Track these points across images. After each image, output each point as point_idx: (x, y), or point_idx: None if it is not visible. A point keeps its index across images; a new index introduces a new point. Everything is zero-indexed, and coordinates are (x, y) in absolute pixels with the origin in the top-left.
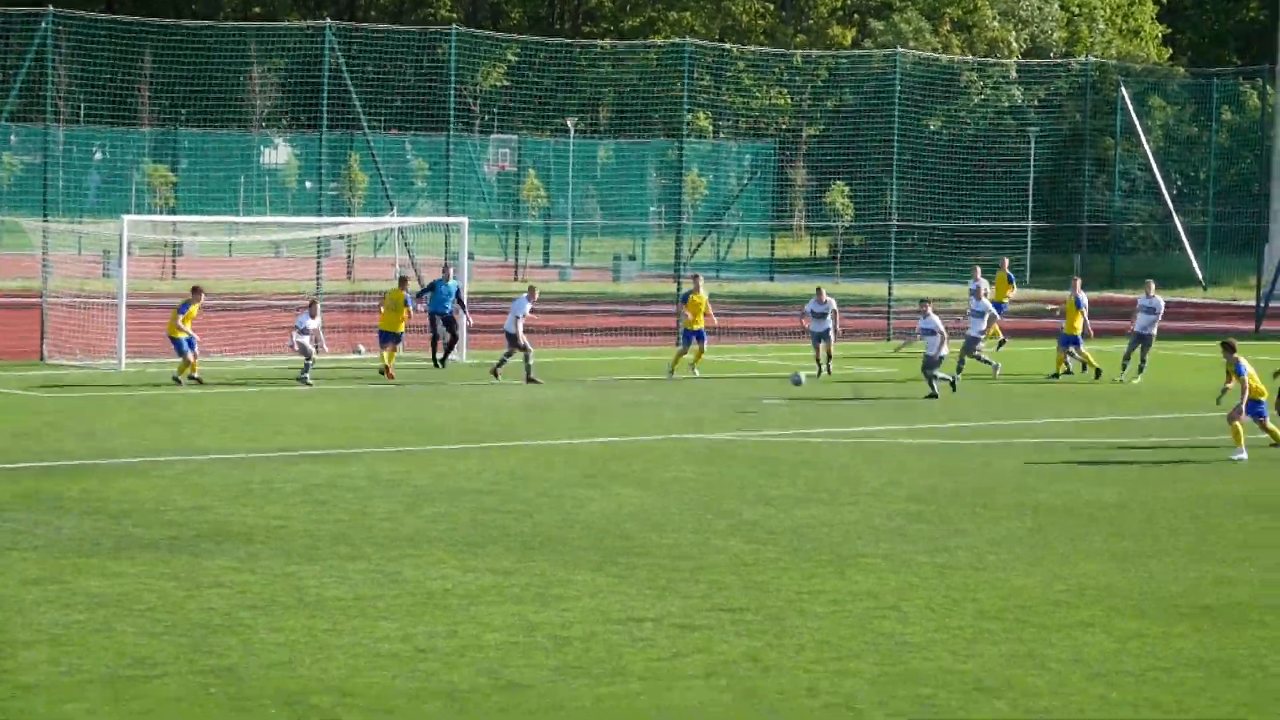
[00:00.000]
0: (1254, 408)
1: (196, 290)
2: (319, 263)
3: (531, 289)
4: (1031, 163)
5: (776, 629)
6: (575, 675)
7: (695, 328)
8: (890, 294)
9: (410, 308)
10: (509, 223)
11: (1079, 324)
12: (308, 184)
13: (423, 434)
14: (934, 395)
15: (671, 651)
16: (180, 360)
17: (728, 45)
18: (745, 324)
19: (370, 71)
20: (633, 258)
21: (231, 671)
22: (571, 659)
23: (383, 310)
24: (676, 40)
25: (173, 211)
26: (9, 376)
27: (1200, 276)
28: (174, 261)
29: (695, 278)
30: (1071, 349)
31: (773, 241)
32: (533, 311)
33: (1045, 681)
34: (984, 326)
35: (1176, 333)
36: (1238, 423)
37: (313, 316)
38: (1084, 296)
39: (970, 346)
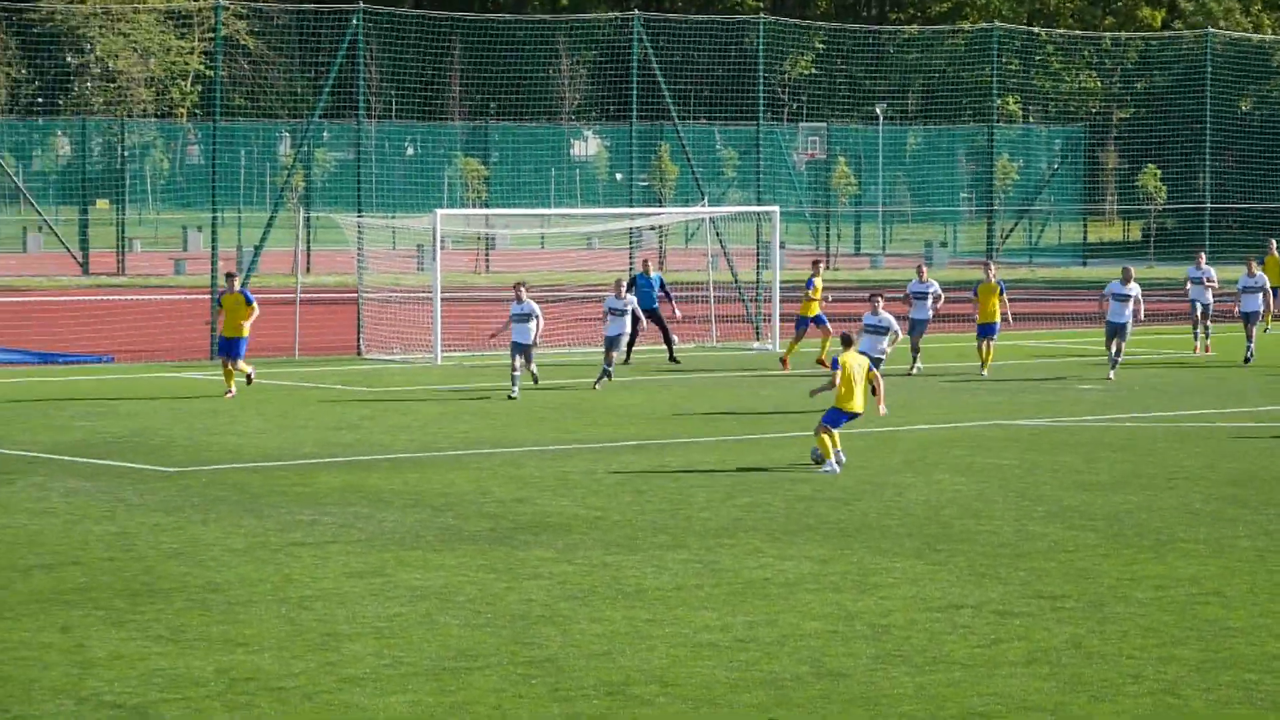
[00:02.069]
0: None
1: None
2: (631, 253)
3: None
4: None
5: (1098, 615)
6: (896, 663)
7: (985, 321)
8: None
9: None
10: (819, 211)
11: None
12: (618, 175)
13: (739, 423)
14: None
15: (992, 639)
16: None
17: (1036, 29)
18: (1057, 309)
19: (678, 62)
20: (944, 244)
21: (552, 662)
22: (891, 647)
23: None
24: (984, 25)
25: (485, 205)
26: (328, 371)
27: None
28: (487, 255)
29: (986, 265)
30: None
31: (1085, 226)
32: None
33: None
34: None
35: None
36: None
37: (619, 297)
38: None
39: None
